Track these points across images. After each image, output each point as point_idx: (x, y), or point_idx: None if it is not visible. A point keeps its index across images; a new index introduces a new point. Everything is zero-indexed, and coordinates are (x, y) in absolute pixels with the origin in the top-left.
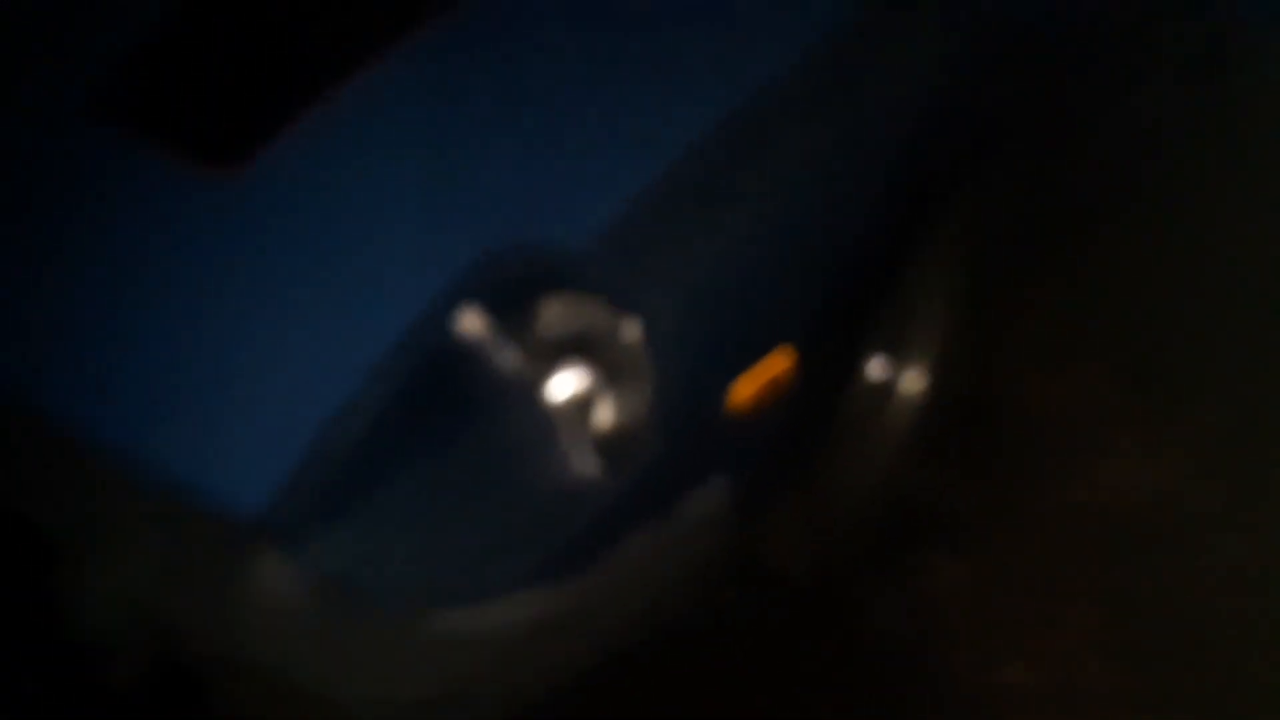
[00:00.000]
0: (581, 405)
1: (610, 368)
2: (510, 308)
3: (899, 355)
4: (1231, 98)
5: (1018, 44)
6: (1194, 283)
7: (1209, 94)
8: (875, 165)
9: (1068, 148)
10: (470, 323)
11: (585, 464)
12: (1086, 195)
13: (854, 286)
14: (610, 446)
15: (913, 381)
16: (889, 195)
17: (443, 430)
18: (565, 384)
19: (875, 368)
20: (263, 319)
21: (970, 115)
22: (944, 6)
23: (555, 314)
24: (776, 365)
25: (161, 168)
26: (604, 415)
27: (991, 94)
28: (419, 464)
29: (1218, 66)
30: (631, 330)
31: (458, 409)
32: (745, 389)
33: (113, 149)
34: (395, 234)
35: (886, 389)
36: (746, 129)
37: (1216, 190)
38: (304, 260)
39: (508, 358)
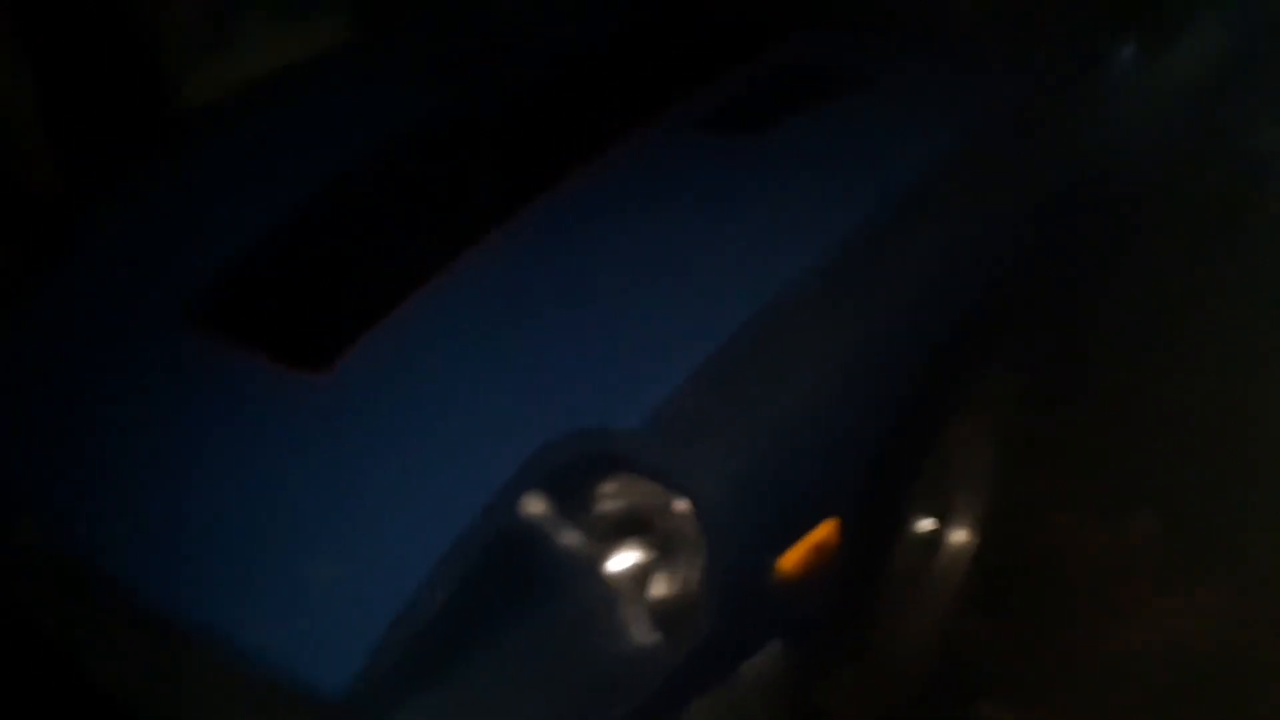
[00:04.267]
0: (639, 580)
1: (665, 543)
2: (569, 491)
3: (945, 512)
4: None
5: (1037, 219)
6: (1232, 427)
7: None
8: (911, 345)
9: (1097, 304)
10: (534, 507)
11: (644, 635)
12: (1122, 348)
13: (896, 454)
14: (668, 618)
15: (960, 536)
16: (925, 371)
17: (511, 608)
18: (623, 560)
19: (923, 525)
20: (344, 508)
21: (1000, 286)
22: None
23: (611, 494)
24: (822, 532)
25: (255, 369)
26: (661, 588)
27: (1018, 265)
28: (490, 640)
29: (1231, 211)
30: (683, 507)
31: (524, 588)
32: (794, 557)
33: (211, 353)
34: (464, 428)
35: (935, 545)
36: (787, 316)
37: (1249, 333)
38: (382, 453)
39: (569, 538)
